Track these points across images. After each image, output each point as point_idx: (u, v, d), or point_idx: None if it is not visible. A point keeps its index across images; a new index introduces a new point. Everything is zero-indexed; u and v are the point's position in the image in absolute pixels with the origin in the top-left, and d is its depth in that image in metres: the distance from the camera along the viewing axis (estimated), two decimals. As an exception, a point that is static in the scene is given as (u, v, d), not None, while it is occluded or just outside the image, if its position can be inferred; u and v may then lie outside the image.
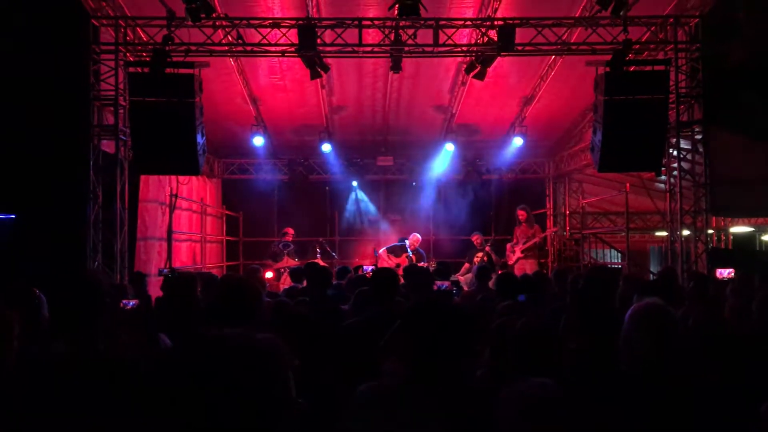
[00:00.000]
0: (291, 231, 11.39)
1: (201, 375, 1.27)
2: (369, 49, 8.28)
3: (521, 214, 10.78)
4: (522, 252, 10.54)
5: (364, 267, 8.43)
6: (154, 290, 7.38)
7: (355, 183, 13.26)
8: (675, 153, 8.67)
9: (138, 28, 8.35)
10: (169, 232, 9.49)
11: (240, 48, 8.29)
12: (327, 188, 13.12)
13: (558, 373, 2.13)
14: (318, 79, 8.91)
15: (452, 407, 1.98)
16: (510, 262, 10.66)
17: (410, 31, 8.06)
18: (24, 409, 1.90)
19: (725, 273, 6.26)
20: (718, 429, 2.13)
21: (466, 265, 10.63)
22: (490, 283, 6.44)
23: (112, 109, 8.16)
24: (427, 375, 2.05)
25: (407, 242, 11.07)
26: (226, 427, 1.31)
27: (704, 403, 2.15)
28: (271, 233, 12.67)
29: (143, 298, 4.64)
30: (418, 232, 11.45)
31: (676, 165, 8.71)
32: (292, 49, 8.05)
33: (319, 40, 7.91)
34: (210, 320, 2.70)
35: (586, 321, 2.81)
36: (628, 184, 9.88)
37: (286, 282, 9.68)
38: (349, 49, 8.17)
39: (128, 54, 8.45)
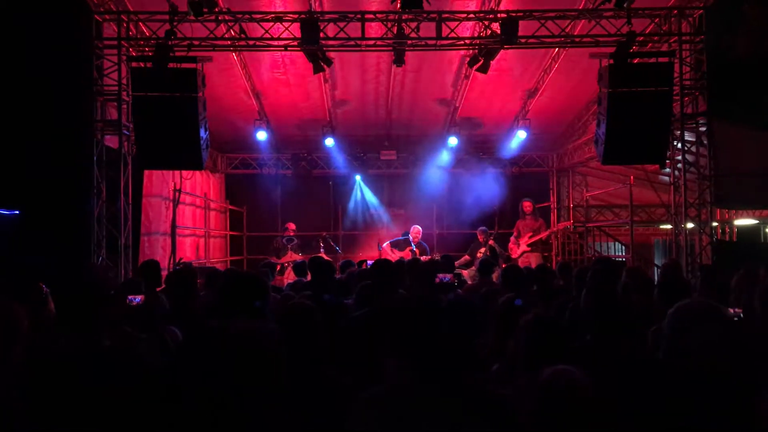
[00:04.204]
0: (292, 226, 11.39)
1: (207, 365, 1.27)
2: (372, 42, 8.25)
3: (527, 205, 10.71)
4: (528, 245, 10.52)
5: (368, 261, 8.42)
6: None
7: (358, 177, 13.26)
8: (679, 145, 8.64)
9: (141, 23, 8.34)
10: (173, 227, 9.50)
11: (243, 42, 8.28)
12: (330, 183, 13.13)
13: (566, 363, 2.12)
14: (321, 74, 8.90)
15: (454, 405, 1.98)
16: (514, 256, 10.64)
17: (413, 25, 8.05)
18: (33, 403, 1.91)
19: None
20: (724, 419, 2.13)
21: (466, 257, 10.59)
22: (494, 276, 6.43)
23: (115, 104, 8.17)
24: (422, 373, 2.03)
25: (410, 236, 11.06)
26: (228, 413, 1.32)
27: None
28: (274, 228, 12.69)
29: (155, 289, 4.62)
30: (421, 226, 11.43)
31: (680, 157, 8.68)
32: (295, 43, 8.04)
33: (321, 34, 7.90)
34: (218, 313, 2.71)
35: (596, 312, 2.80)
36: (632, 177, 9.83)
37: (289, 276, 9.70)
38: (352, 42, 8.14)
39: (131, 49, 8.45)
